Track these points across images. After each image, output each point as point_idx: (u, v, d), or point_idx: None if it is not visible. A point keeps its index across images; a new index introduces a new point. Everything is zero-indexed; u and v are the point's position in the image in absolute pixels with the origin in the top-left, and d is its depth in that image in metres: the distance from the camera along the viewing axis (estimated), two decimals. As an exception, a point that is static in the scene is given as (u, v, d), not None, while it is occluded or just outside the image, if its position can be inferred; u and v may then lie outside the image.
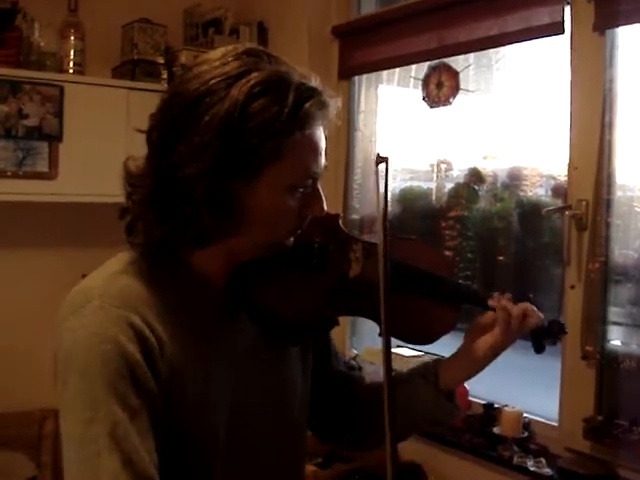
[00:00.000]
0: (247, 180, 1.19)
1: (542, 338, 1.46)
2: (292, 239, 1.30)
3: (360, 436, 1.61)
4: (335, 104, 1.26)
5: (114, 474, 1.06)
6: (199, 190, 1.16)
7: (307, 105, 1.19)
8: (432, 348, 1.51)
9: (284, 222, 1.25)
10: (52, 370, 1.19)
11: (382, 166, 1.29)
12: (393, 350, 3.08)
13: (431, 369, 1.48)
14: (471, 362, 1.43)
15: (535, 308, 1.42)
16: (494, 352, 1.41)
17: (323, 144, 1.25)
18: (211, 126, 1.14)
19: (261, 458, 1.36)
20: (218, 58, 1.20)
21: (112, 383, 1.10)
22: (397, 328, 1.29)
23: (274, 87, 1.17)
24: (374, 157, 1.31)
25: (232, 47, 1.23)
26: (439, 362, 1.49)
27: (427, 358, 2.57)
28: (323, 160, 1.25)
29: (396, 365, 3.04)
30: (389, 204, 1.30)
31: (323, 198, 1.28)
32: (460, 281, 1.66)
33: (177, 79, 1.24)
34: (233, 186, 1.18)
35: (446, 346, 1.52)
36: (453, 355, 1.48)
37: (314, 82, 1.23)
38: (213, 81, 1.16)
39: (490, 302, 1.41)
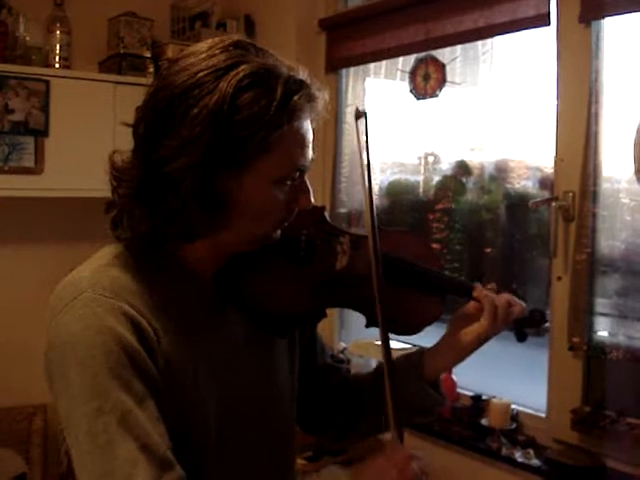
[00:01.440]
0: (235, 173, 1.18)
1: (524, 327, 1.48)
2: (279, 232, 1.30)
3: (346, 428, 1.62)
4: (323, 97, 1.26)
5: (132, 460, 1.06)
6: (187, 184, 1.16)
7: (295, 98, 1.18)
8: (417, 339, 1.52)
9: (272, 215, 1.25)
10: (43, 365, 1.19)
11: (361, 121, 1.31)
12: (380, 343, 3.09)
13: (415, 359, 1.49)
14: (455, 351, 1.45)
15: (516, 298, 1.44)
16: (479, 341, 1.42)
17: (311, 137, 1.25)
18: (199, 119, 1.14)
19: (252, 450, 1.36)
20: (205, 50, 1.19)
21: (115, 372, 1.10)
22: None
23: (262, 80, 1.16)
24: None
25: (219, 39, 1.22)
26: (423, 352, 1.50)
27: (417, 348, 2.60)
28: (311, 153, 1.25)
29: (382, 356, 3.04)
30: (371, 164, 1.31)
31: (310, 191, 1.28)
32: (445, 272, 1.67)
33: (163, 72, 1.22)
34: (221, 179, 1.18)
35: (429, 337, 1.53)
36: (437, 344, 1.49)
37: (302, 75, 1.23)
38: (201, 74, 1.16)
39: (475, 293, 1.43)
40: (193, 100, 1.15)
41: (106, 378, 1.09)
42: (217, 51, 1.19)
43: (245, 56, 1.19)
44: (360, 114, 1.34)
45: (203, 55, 1.19)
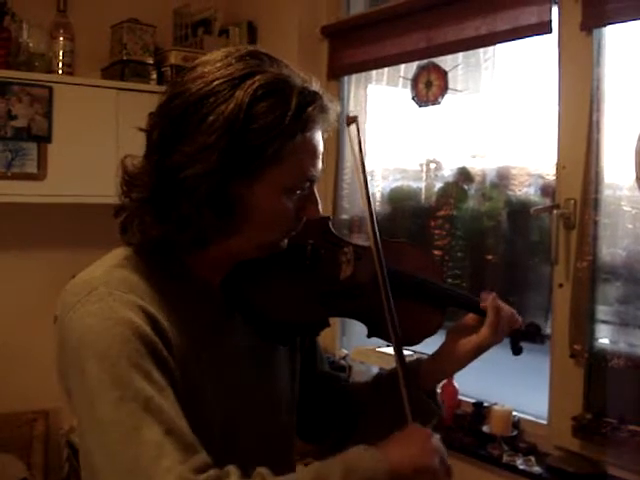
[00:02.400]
0: (247, 181, 1.20)
1: (519, 340, 1.48)
2: (286, 241, 1.31)
3: (343, 437, 1.61)
4: (335, 108, 1.27)
5: (158, 444, 1.05)
6: (201, 190, 1.17)
7: (310, 109, 1.20)
8: (419, 346, 1.52)
9: (280, 223, 1.27)
10: (55, 366, 1.19)
11: (353, 127, 1.32)
12: (381, 350, 3.09)
13: (412, 368, 1.49)
14: (454, 361, 1.46)
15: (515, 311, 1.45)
16: (479, 352, 1.43)
17: (322, 148, 1.27)
18: (216, 126, 1.15)
19: (250, 455, 1.36)
20: (221, 59, 1.21)
21: (134, 361, 1.10)
22: (384, 329, 1.30)
23: (278, 90, 1.18)
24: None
25: (234, 49, 1.24)
26: (420, 361, 1.50)
27: (415, 357, 2.60)
28: (321, 164, 1.27)
29: (383, 363, 3.04)
30: (365, 169, 1.33)
31: (319, 201, 1.30)
32: (448, 284, 1.68)
33: (178, 79, 1.24)
34: (233, 186, 1.19)
35: (429, 345, 1.53)
36: (435, 354, 1.49)
37: (315, 86, 1.25)
38: (217, 82, 1.17)
39: (482, 304, 1.43)
40: (209, 108, 1.16)
41: (125, 367, 1.09)
42: (233, 60, 1.20)
43: (260, 66, 1.20)
44: (350, 120, 1.35)
45: (219, 64, 1.20)
